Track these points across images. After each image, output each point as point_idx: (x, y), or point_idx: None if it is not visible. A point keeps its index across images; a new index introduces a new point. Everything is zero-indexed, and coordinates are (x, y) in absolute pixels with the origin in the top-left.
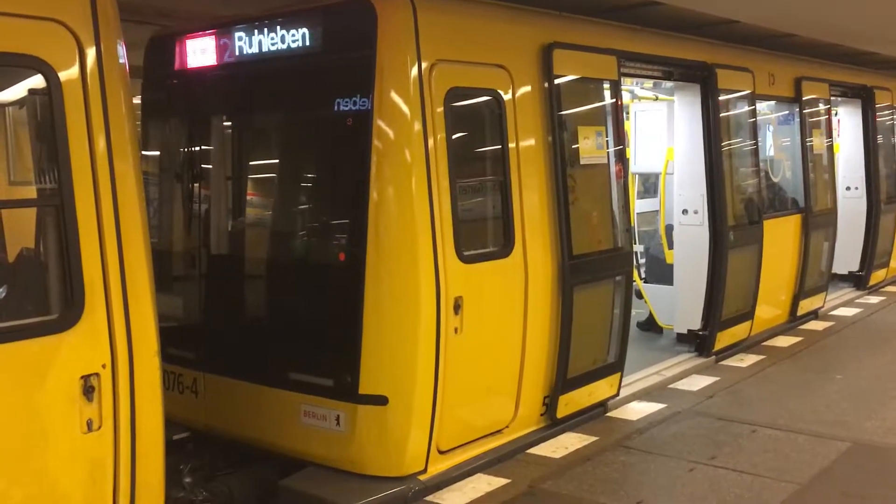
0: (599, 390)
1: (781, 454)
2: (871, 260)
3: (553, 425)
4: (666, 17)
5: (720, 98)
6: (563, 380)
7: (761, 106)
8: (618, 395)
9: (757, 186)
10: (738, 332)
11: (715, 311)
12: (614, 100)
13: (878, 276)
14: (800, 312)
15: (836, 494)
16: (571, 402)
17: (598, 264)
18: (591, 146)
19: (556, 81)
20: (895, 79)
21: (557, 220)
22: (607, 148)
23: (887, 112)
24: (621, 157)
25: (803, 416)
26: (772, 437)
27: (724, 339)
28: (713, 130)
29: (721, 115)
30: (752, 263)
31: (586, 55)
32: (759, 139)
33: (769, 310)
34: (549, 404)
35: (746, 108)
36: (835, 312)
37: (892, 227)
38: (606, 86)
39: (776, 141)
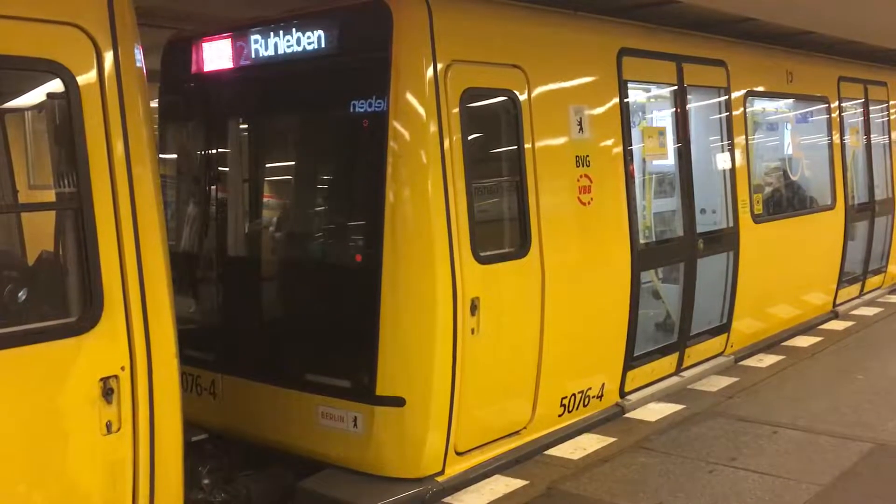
0: (662, 366)
1: (803, 455)
2: (868, 264)
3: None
4: (682, 15)
5: (688, 95)
6: (630, 357)
7: (779, 104)
8: (676, 372)
9: (732, 190)
10: (710, 346)
11: (685, 324)
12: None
13: (873, 282)
14: (810, 316)
15: (858, 496)
16: (637, 377)
17: (669, 250)
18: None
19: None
20: (890, 73)
21: (627, 213)
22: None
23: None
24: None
25: (824, 417)
26: (793, 438)
27: (693, 354)
28: (680, 129)
29: (692, 112)
30: (722, 274)
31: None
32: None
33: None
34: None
35: (719, 106)
36: (855, 312)
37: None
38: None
39: (794, 139)
